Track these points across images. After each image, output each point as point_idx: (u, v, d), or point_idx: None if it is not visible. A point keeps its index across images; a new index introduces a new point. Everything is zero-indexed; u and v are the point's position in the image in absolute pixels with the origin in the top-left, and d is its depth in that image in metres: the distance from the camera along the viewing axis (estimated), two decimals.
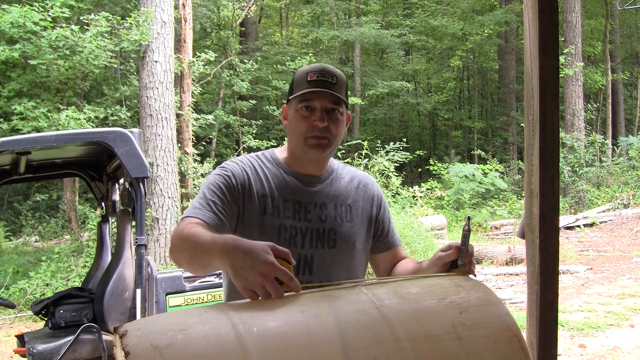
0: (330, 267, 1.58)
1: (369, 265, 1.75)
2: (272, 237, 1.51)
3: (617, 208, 12.19)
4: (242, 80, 13.24)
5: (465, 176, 13.47)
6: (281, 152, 1.66)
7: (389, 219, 1.73)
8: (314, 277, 1.55)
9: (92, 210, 9.83)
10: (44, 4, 8.13)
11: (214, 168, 9.43)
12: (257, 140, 13.08)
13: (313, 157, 1.57)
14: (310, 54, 15.82)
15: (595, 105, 18.32)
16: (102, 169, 4.28)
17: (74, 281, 7.27)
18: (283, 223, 1.55)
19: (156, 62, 8.25)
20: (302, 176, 1.61)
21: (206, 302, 3.48)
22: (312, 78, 1.52)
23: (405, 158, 11.45)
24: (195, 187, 9.47)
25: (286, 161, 1.63)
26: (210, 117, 11.62)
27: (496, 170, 14.11)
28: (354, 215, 1.64)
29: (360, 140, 11.66)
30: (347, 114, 1.63)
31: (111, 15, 8.55)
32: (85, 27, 8.46)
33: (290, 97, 1.58)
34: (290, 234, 1.54)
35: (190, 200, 8.97)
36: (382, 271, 1.72)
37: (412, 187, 11.33)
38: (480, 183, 13.41)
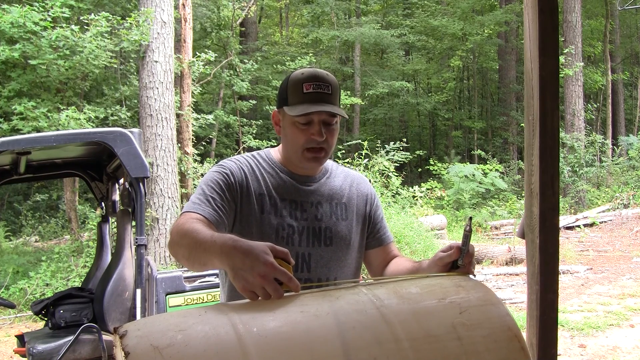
0: (327, 265, 1.60)
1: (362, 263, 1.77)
2: (270, 236, 1.53)
3: (617, 208, 12.18)
4: (242, 80, 13.24)
5: (465, 176, 13.47)
6: (276, 153, 1.67)
7: (381, 216, 1.75)
8: (312, 274, 1.58)
9: (92, 210, 9.83)
10: (44, 4, 8.12)
11: None
12: (257, 140, 13.08)
13: (310, 168, 1.60)
14: (310, 54, 15.81)
15: (595, 105, 18.32)
16: (102, 169, 4.28)
17: (74, 281, 7.27)
18: (281, 222, 1.56)
19: (156, 62, 8.25)
20: (298, 176, 1.63)
21: (206, 302, 3.47)
22: (308, 90, 1.50)
23: (405, 158, 11.44)
24: (195, 187, 9.47)
25: (281, 162, 1.64)
26: (210, 117, 11.61)
27: (496, 170, 14.10)
28: (349, 213, 1.66)
29: (360, 140, 11.65)
30: None
31: (111, 15, 8.55)
32: (85, 27, 8.45)
33: (284, 107, 1.55)
34: (287, 233, 1.56)
35: None
36: (374, 268, 1.73)
37: (412, 187, 11.31)
38: (480, 183, 13.40)
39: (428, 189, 12.46)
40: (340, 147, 11.98)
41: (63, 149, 3.70)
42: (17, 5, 8.30)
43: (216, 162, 2.10)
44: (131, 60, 10.60)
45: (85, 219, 9.76)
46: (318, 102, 1.50)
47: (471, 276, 1.31)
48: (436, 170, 14.69)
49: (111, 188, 4.23)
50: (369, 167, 10.24)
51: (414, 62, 21.12)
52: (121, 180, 4.02)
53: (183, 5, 9.57)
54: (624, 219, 11.49)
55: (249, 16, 15.46)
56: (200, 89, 11.74)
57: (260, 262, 1.11)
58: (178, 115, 9.16)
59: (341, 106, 1.63)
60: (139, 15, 8.25)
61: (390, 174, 10.34)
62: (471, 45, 19.03)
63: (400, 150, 11.13)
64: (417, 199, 11.13)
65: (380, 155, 10.75)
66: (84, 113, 8.44)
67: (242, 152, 12.52)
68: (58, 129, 7.75)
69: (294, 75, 1.55)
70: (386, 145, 11.16)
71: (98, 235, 4.30)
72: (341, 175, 1.71)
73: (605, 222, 11.66)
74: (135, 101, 9.53)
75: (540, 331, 1.30)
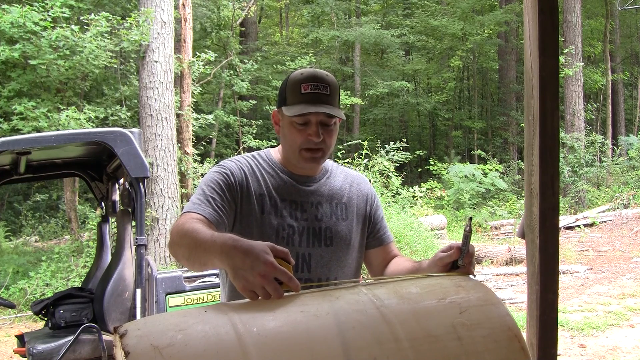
0: (327, 265, 1.60)
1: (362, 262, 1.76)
2: (270, 236, 1.53)
3: (617, 208, 12.19)
4: (242, 80, 13.24)
5: (465, 176, 13.47)
6: (276, 153, 1.67)
7: (381, 216, 1.75)
8: (312, 275, 1.57)
9: (92, 210, 9.83)
10: (44, 4, 8.13)
11: None
12: (257, 140, 13.08)
13: (308, 168, 1.60)
14: (310, 54, 15.81)
15: (595, 105, 18.33)
16: (102, 169, 4.28)
17: (74, 281, 7.27)
18: (281, 222, 1.56)
19: (156, 62, 8.25)
20: (298, 176, 1.63)
21: (206, 302, 3.47)
22: (305, 90, 1.50)
23: (405, 158, 11.45)
24: (195, 187, 9.47)
25: (281, 162, 1.64)
26: (210, 117, 11.61)
27: (496, 170, 14.10)
28: (350, 214, 1.66)
29: (360, 140, 11.66)
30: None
31: (111, 15, 8.55)
32: (85, 27, 8.46)
33: (282, 107, 1.55)
34: (288, 233, 1.56)
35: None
36: (375, 268, 1.73)
37: (412, 187, 11.32)
38: (480, 183, 13.41)
39: (428, 189, 12.46)
40: (340, 147, 11.98)
41: (63, 149, 3.70)
42: (17, 5, 8.30)
43: (216, 162, 2.11)
44: (131, 60, 10.60)
45: (85, 219, 9.76)
46: (316, 102, 1.50)
47: (471, 276, 1.31)
48: (436, 170, 14.69)
49: (111, 188, 4.23)
50: (369, 167, 10.25)
51: (414, 62, 21.12)
52: (121, 180, 4.02)
53: (183, 5, 9.57)
54: (624, 219, 11.49)
55: (249, 16, 15.46)
56: (200, 89, 11.74)
57: (260, 261, 1.11)
58: (178, 115, 9.16)
59: (341, 106, 1.62)
60: (139, 15, 8.25)
61: (390, 174, 10.34)
62: (471, 45, 19.04)
63: (400, 150, 11.13)
64: (417, 199, 11.13)
65: (380, 155, 10.75)
66: (84, 113, 8.44)
67: (242, 152, 12.53)
68: (58, 129, 7.74)
69: (294, 75, 1.55)
70: (386, 145, 11.17)
71: (98, 235, 4.30)
72: (341, 175, 1.71)
73: (605, 222, 11.66)
74: (135, 101, 9.53)
75: (540, 331, 1.29)
